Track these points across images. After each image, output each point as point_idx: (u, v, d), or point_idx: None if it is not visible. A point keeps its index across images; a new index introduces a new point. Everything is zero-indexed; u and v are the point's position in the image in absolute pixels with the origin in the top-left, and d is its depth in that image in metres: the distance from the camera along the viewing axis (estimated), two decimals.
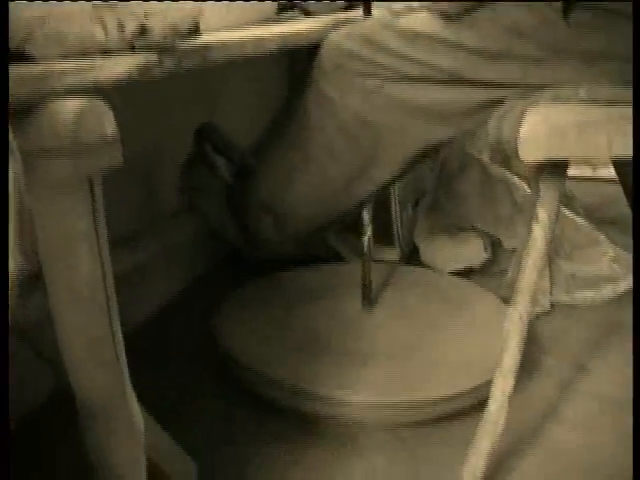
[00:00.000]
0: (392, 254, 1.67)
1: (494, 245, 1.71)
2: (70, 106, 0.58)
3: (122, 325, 0.69)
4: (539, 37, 0.91)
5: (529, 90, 0.95)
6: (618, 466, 1.04)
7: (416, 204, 1.79)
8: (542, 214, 0.93)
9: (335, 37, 1.07)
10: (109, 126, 0.59)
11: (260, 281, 1.50)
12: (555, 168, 0.90)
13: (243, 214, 1.28)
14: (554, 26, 0.90)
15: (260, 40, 0.89)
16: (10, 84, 0.56)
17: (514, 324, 0.96)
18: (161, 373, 1.30)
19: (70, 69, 0.61)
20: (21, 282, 0.39)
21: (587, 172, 2.31)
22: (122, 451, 0.71)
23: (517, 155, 0.91)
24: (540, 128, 0.85)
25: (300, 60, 1.81)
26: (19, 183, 0.40)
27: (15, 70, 0.58)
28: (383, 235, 1.66)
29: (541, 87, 0.94)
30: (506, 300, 1.32)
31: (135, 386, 0.72)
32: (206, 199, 1.34)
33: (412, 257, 1.72)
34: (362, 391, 1.14)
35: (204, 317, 1.45)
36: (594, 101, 0.89)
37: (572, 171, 1.91)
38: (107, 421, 0.67)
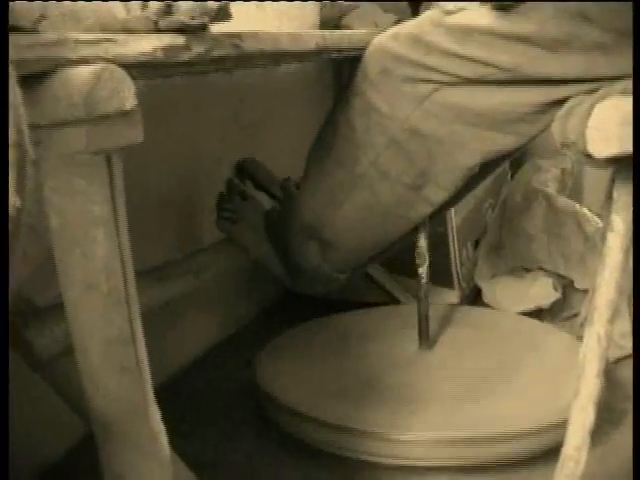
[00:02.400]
0: (451, 297, 1.62)
1: (565, 286, 1.66)
2: (85, 72, 0.56)
3: (156, 373, 0.67)
4: (606, 20, 0.88)
5: (596, 85, 0.91)
6: None
7: (476, 244, 1.75)
8: (617, 221, 0.89)
9: (380, 39, 1.05)
10: (128, 95, 0.57)
11: (308, 325, 1.48)
12: (631, 165, 0.86)
13: (285, 242, 1.25)
14: (623, 6, 0.86)
15: (297, 36, 0.88)
16: (21, 51, 0.55)
17: (591, 347, 0.91)
18: (200, 422, 1.28)
19: (87, 40, 0.60)
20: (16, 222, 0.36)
21: None
22: (146, 477, 0.67)
23: (587, 154, 0.88)
24: (611, 117, 0.82)
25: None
26: (19, 116, 0.38)
27: (26, 37, 0.57)
28: (441, 277, 1.62)
29: (610, 80, 0.90)
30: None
31: (173, 436, 0.69)
32: (245, 231, 1.32)
33: (473, 300, 1.67)
34: (417, 430, 1.11)
35: (247, 363, 1.43)
36: None
37: None
38: (127, 439, 0.64)
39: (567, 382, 1.11)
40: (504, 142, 1.04)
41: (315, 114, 1.70)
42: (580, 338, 1.32)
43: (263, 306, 1.74)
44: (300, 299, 1.52)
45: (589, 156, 0.88)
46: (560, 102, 0.95)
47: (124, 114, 0.58)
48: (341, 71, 1.84)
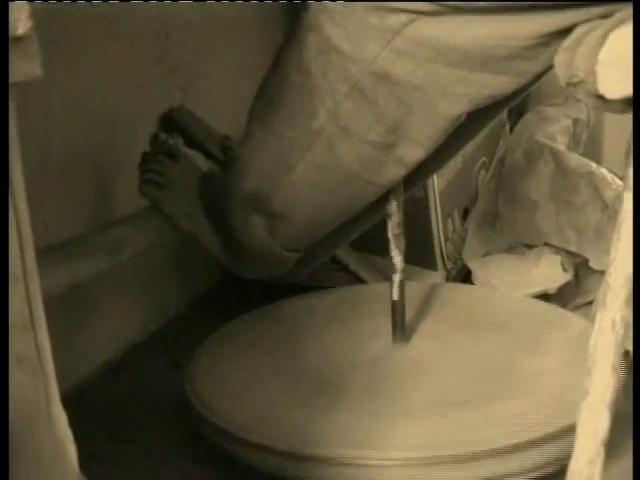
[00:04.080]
0: (433, 280, 1.65)
1: (578, 266, 1.69)
2: None
3: (61, 378, 0.67)
4: None
5: (611, 7, 0.93)
6: None
7: (465, 213, 1.77)
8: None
9: None
10: (20, 17, 0.58)
11: (253, 314, 1.50)
12: None
13: (224, 215, 1.27)
14: None
15: None
16: None
17: (605, 335, 0.93)
18: (118, 440, 1.30)
19: None
20: None
21: None
22: None
23: (599, 95, 0.91)
24: (628, 48, 0.84)
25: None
26: None
27: None
28: (421, 255, 1.64)
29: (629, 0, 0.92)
30: None
31: (83, 457, 0.69)
32: (174, 199, 1.34)
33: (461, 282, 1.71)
34: (390, 449, 1.13)
35: (176, 365, 1.44)
36: None
37: None
38: (24, 448, 0.65)
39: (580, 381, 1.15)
40: (497, 84, 1.06)
41: (261, 53, 1.71)
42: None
43: (196, 293, 1.76)
44: (242, 283, 1.54)
45: (601, 97, 0.91)
46: (566, 31, 0.97)
47: (15, 41, 0.58)
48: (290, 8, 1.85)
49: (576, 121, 1.87)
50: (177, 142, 1.42)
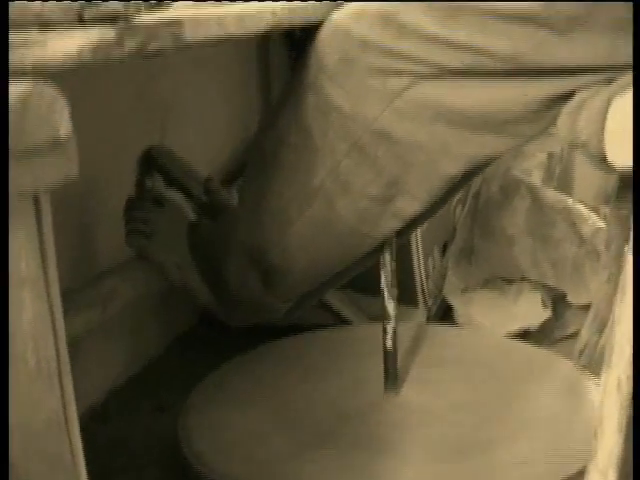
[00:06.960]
0: (415, 317, 1.65)
1: (555, 301, 1.71)
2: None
3: None
4: None
5: (614, 73, 0.94)
6: None
7: (444, 248, 1.78)
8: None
9: (340, 18, 1.05)
10: (62, 120, 0.57)
11: (241, 359, 1.49)
12: None
13: (217, 267, 1.26)
14: None
15: (245, 17, 0.89)
16: None
17: (611, 395, 0.94)
18: None
19: None
20: None
21: None
22: None
23: (603, 160, 0.92)
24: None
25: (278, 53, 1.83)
26: None
27: None
28: (403, 293, 1.64)
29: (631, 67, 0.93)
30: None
31: None
32: (161, 246, 1.33)
33: (441, 319, 1.71)
34: None
35: (165, 416, 1.43)
36: None
37: None
38: (39, 458, 0.64)
39: (573, 430, 1.16)
40: (496, 145, 1.07)
41: (239, 90, 1.71)
42: (581, 368, 1.38)
43: (175, 333, 1.75)
44: (220, 322, 1.53)
45: (605, 159, 0.92)
46: (568, 95, 0.98)
47: (57, 145, 0.58)
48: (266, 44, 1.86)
49: (551, 155, 1.89)
50: (161, 187, 1.41)
